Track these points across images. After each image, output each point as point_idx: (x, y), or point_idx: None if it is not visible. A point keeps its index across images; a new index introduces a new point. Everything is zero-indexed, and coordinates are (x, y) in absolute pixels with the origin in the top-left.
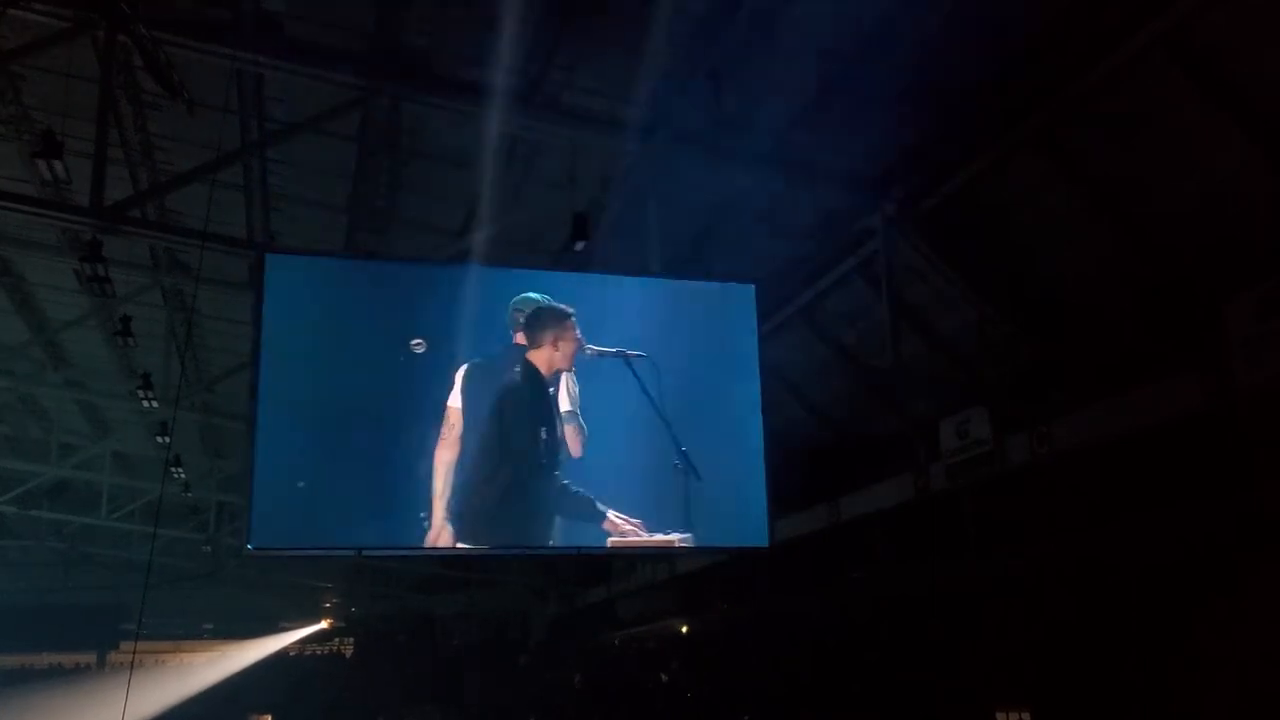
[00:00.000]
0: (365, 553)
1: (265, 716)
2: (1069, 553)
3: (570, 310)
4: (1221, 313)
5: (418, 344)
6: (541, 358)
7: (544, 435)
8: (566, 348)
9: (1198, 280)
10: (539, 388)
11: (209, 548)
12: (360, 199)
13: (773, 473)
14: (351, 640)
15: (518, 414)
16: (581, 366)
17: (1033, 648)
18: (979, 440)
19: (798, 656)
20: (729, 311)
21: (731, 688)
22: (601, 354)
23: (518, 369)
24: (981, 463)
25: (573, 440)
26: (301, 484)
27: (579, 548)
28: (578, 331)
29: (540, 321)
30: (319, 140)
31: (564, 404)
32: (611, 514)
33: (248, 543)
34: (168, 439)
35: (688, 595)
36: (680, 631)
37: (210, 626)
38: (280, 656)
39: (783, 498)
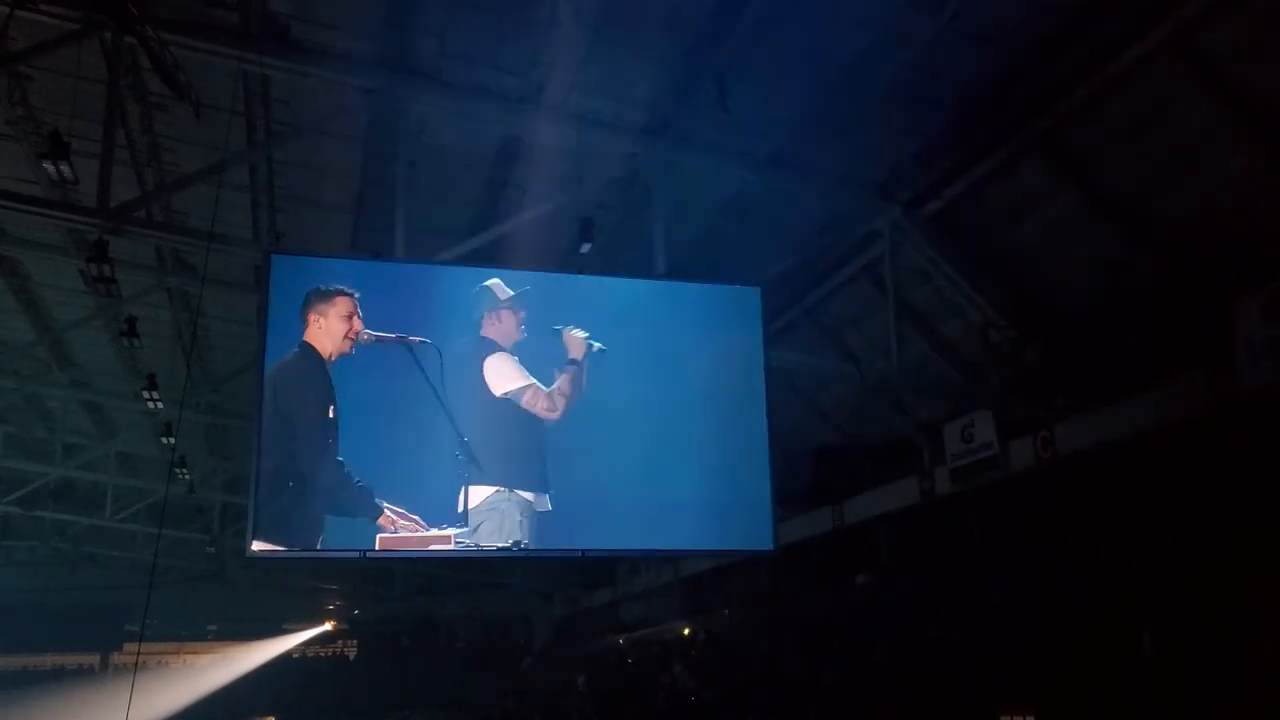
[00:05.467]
0: (369, 555)
1: (269, 718)
2: (1074, 556)
3: (345, 290)
4: (1228, 315)
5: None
6: (319, 339)
7: (321, 421)
8: (338, 328)
9: (1203, 283)
10: (318, 371)
11: (213, 549)
12: (366, 200)
13: (777, 476)
14: (355, 642)
15: (290, 400)
16: (369, 354)
17: (1037, 651)
18: (983, 444)
19: (802, 659)
20: (734, 314)
21: (735, 691)
22: (381, 339)
23: (296, 350)
24: (986, 466)
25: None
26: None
27: (584, 551)
28: (356, 311)
29: (310, 303)
30: (325, 141)
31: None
32: (389, 509)
33: (251, 543)
34: (173, 440)
35: (692, 598)
36: (684, 634)
37: (214, 628)
38: (284, 658)
39: (787, 501)
